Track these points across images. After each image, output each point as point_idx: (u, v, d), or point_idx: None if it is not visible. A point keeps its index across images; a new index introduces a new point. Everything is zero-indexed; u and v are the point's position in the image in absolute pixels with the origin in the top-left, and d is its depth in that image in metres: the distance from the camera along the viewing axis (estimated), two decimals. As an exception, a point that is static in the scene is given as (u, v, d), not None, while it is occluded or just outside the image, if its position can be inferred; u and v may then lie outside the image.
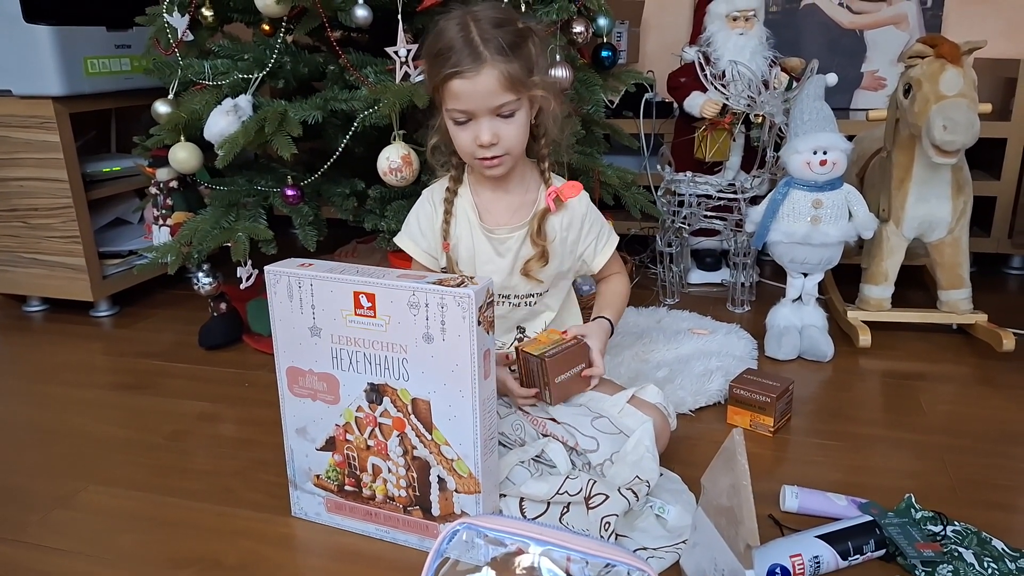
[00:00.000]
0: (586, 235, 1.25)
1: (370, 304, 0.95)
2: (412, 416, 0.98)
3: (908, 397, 1.46)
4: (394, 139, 1.39)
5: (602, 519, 0.98)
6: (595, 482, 1.02)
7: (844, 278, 1.86)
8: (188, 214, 1.64)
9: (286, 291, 1.00)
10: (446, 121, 1.14)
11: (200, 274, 1.68)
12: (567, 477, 1.04)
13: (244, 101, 1.46)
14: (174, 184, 1.67)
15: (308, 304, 0.99)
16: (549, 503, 1.04)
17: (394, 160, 1.37)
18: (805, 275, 1.62)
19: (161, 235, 1.67)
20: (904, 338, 1.70)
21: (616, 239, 1.30)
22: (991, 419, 1.36)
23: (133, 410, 1.48)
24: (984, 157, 2.02)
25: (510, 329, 1.29)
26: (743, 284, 1.89)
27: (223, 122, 1.42)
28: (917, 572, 0.95)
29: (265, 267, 1.01)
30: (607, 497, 1.00)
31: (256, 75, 1.50)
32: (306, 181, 1.53)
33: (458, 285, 0.90)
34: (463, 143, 1.13)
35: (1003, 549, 0.98)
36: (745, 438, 0.84)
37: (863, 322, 1.66)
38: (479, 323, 0.90)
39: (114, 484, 1.22)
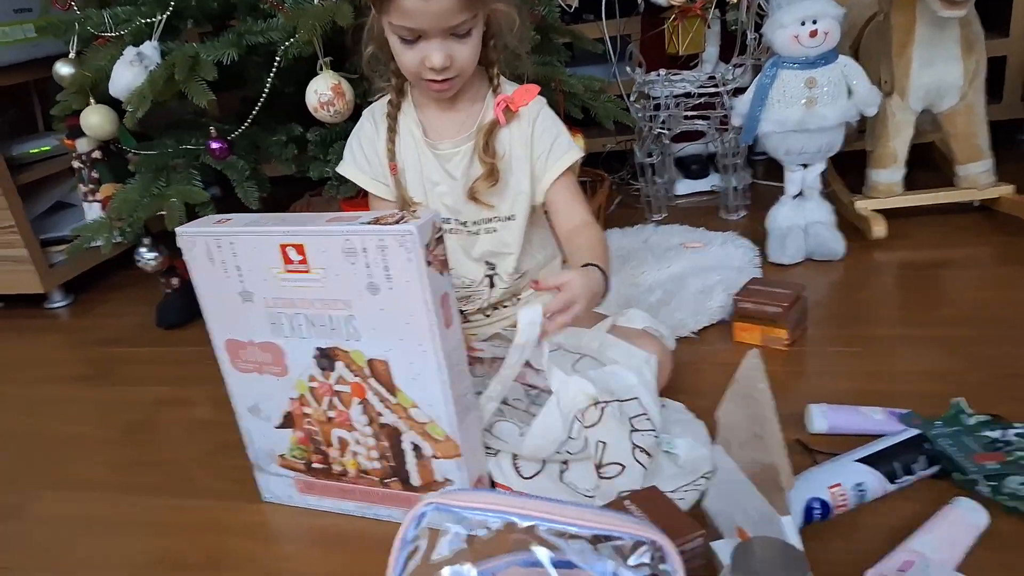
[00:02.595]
0: (537, 142, 1.06)
1: (300, 257, 0.80)
2: (371, 380, 0.83)
3: (932, 289, 1.32)
4: (320, 69, 1.21)
5: (619, 494, 0.85)
6: (605, 444, 0.88)
7: (847, 166, 1.69)
8: (117, 185, 1.47)
9: (205, 254, 0.85)
10: (388, 35, 0.97)
11: (142, 249, 1.52)
12: (568, 437, 0.90)
13: (149, 48, 1.28)
14: (97, 154, 1.50)
15: (232, 266, 0.84)
16: (545, 461, 0.90)
17: (323, 92, 1.20)
18: (804, 167, 1.45)
19: (92, 212, 1.51)
20: (920, 224, 1.54)
21: (578, 152, 1.09)
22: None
23: (90, 403, 1.36)
24: (986, 12, 1.82)
25: (478, 263, 1.13)
26: (735, 188, 1.72)
27: (128, 75, 1.24)
28: (980, 487, 0.82)
29: (176, 230, 0.85)
30: (623, 468, 0.87)
31: (159, 17, 1.31)
32: (235, 133, 1.35)
33: (397, 222, 0.75)
34: (409, 63, 0.97)
35: (1074, 446, 0.85)
36: (759, 354, 0.69)
37: (874, 211, 1.51)
38: (429, 263, 0.75)
39: (68, 488, 1.11)
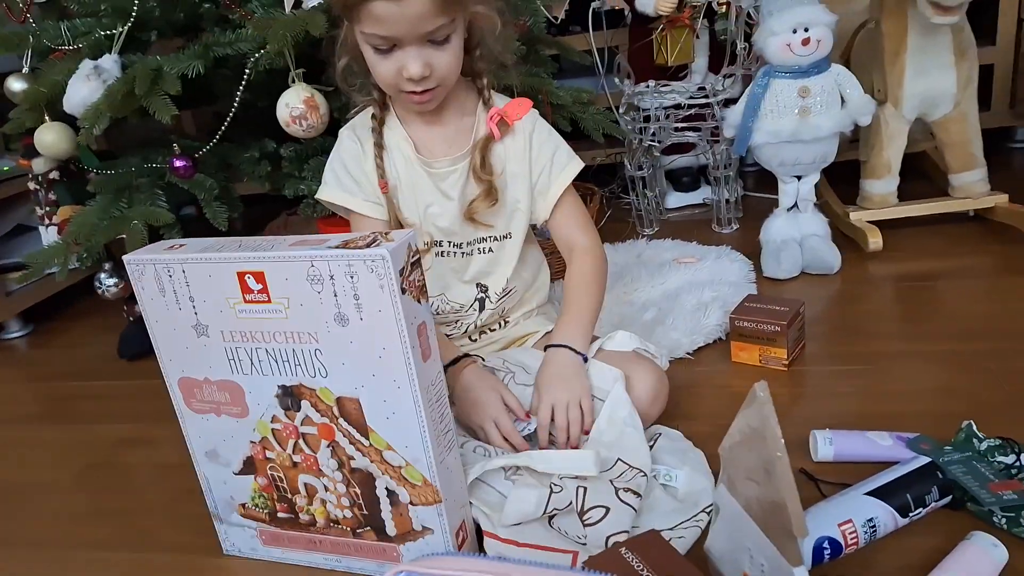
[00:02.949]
0: (537, 157, 1.02)
1: (260, 285, 0.72)
2: (341, 420, 0.76)
3: (933, 301, 1.27)
4: (292, 82, 1.15)
5: (608, 539, 0.78)
6: (586, 489, 0.81)
7: (838, 177, 1.64)
8: (76, 207, 1.40)
9: (155, 284, 0.77)
10: (361, 45, 0.91)
11: (102, 275, 1.44)
12: (551, 490, 0.82)
13: (109, 62, 1.21)
14: (55, 175, 1.43)
15: (185, 296, 0.76)
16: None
17: (295, 106, 1.13)
18: (798, 179, 1.40)
19: (49, 236, 1.43)
20: (915, 235, 1.49)
21: (579, 163, 1.05)
22: (1029, 313, 1.17)
23: (44, 446, 1.26)
24: (972, 21, 1.79)
25: (470, 285, 1.07)
26: (728, 201, 1.67)
27: (84, 89, 1.17)
28: (997, 519, 0.76)
29: (124, 258, 0.78)
30: (607, 511, 0.80)
31: (120, 29, 1.24)
32: (202, 150, 1.28)
33: (369, 245, 0.68)
34: (385, 74, 0.91)
35: (1098, 475, 0.79)
36: (756, 377, 0.63)
37: (869, 222, 1.46)
38: (404, 291, 0.68)
39: (11, 545, 1.01)
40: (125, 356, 1.51)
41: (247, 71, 1.18)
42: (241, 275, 0.72)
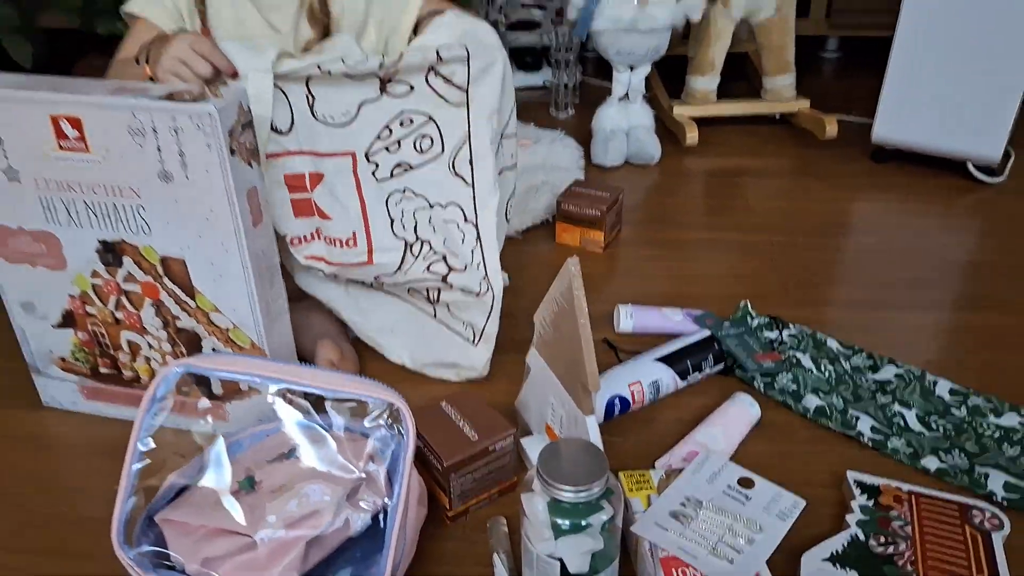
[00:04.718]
0: None
1: (77, 132, 0.69)
2: (165, 279, 0.76)
3: (735, 195, 1.41)
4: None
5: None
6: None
7: (668, 73, 1.73)
8: None
9: (-45, 123, 0.71)
10: None
11: None
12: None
13: None
14: None
15: (-9, 138, 0.71)
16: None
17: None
18: (632, 69, 1.47)
19: None
20: (730, 132, 1.63)
21: None
22: (813, 211, 1.34)
23: None
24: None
25: None
26: (566, 85, 1.72)
27: None
28: (757, 384, 0.91)
29: (-83, 91, 0.70)
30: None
31: None
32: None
33: (196, 99, 0.66)
34: None
35: (837, 349, 0.95)
36: (578, 263, 0.70)
37: (689, 118, 1.57)
38: (233, 152, 0.68)
39: None
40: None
41: None
42: (55, 119, 0.68)
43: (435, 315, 0.94)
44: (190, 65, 0.76)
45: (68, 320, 0.82)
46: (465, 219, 0.87)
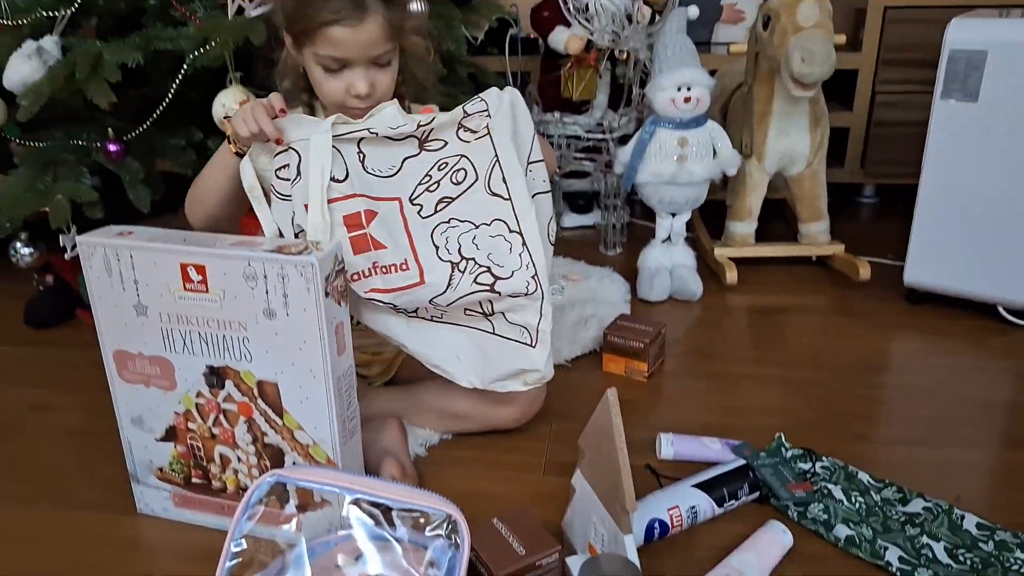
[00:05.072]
0: None
1: (200, 277, 0.84)
2: (259, 400, 0.88)
3: (774, 332, 1.49)
4: (230, 83, 1.24)
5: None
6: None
7: (710, 215, 1.87)
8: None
9: (103, 265, 0.87)
10: (310, 65, 1.03)
11: (18, 244, 1.47)
12: None
13: (49, 43, 1.26)
14: (-26, 142, 1.44)
15: (130, 279, 0.86)
16: None
17: (230, 107, 1.23)
18: (673, 215, 1.61)
19: (-35, 202, 1.44)
20: (768, 272, 1.73)
21: None
22: (850, 349, 1.41)
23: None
24: (836, 89, 2.06)
25: None
26: (614, 226, 1.86)
27: (25, 68, 1.23)
28: (790, 512, 0.96)
29: (77, 238, 0.87)
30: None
31: (63, 12, 1.29)
32: (132, 134, 1.35)
33: (300, 252, 0.80)
34: (332, 92, 1.03)
35: (868, 482, 1.01)
36: (621, 385, 0.80)
37: (729, 259, 1.68)
38: (327, 294, 0.81)
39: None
40: (31, 324, 1.54)
41: (185, 66, 1.26)
42: (184, 266, 0.83)
43: (494, 330, 1.03)
44: (247, 124, 0.95)
45: (170, 434, 0.94)
46: (510, 230, 0.98)
